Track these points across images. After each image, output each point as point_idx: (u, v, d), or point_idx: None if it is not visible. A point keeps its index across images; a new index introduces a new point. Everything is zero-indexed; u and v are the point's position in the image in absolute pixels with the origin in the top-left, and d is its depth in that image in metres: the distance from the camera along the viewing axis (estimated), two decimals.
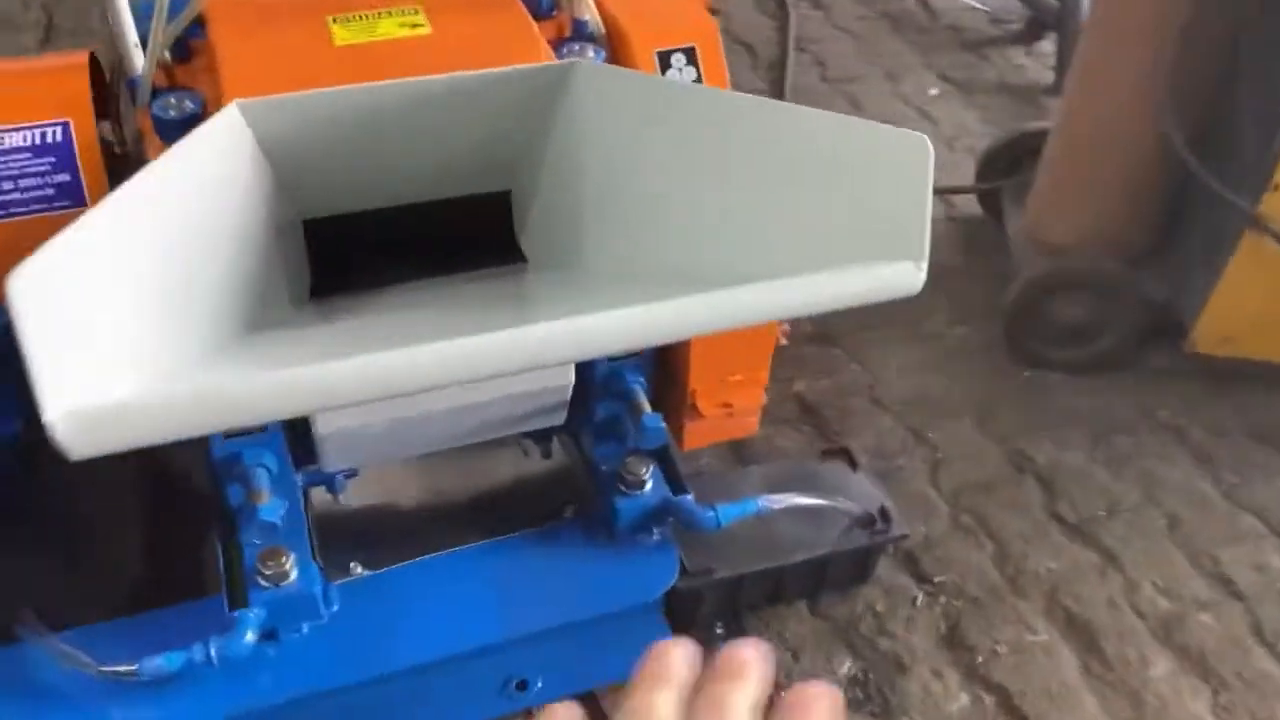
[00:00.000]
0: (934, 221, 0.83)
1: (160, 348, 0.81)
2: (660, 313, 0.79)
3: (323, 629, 1.69)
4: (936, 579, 2.17)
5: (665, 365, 1.82)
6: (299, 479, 1.70)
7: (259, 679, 1.63)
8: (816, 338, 2.70)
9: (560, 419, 1.79)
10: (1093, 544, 2.24)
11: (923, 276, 0.82)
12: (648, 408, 1.68)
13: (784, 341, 1.78)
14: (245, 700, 1.60)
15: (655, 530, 1.84)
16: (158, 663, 1.54)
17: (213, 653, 1.55)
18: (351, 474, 1.83)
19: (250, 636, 1.58)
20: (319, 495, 1.86)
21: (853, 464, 2.13)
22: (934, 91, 3.30)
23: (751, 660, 0.51)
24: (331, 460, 1.69)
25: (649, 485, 1.80)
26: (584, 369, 1.71)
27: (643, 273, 1.00)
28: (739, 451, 2.35)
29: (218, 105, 1.04)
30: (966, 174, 3.02)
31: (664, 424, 1.87)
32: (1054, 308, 2.51)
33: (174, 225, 0.88)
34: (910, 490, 2.35)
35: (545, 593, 1.76)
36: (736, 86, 1.28)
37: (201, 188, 0.93)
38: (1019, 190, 2.70)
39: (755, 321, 0.85)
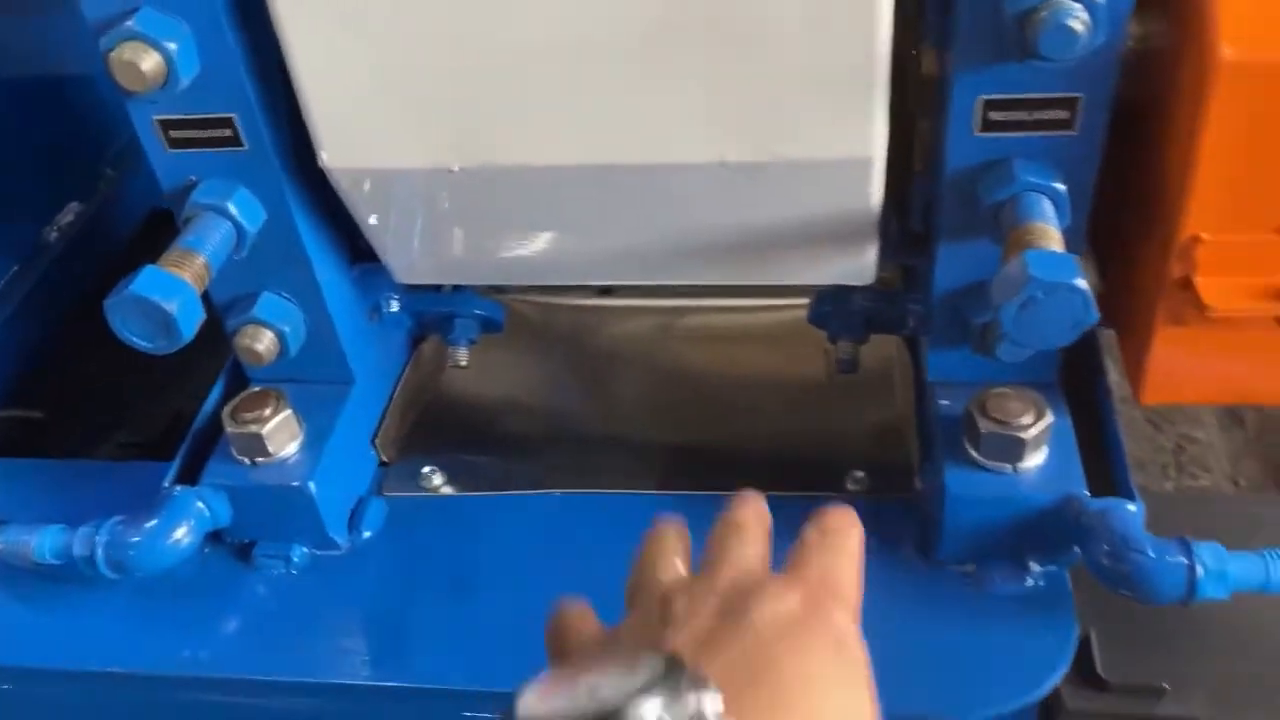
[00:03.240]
0: None
1: None
2: None
3: (333, 570, 0.89)
4: None
5: (1131, 175, 0.77)
6: (348, 278, 0.90)
7: (181, 625, 0.87)
8: None
9: (865, 270, 0.82)
10: None
11: None
12: (1053, 237, 0.66)
13: None
14: (127, 657, 0.85)
15: (1034, 564, 0.80)
16: (14, 539, 0.85)
17: (98, 548, 0.81)
18: (490, 326, 1.00)
19: (178, 536, 0.83)
20: (430, 352, 1.06)
21: None
22: None
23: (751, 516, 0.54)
24: (398, 262, 0.88)
25: (1034, 456, 0.78)
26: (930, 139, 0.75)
27: None
28: None
29: None
30: None
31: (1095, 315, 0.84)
32: None
33: None
34: None
35: None
36: None
37: None
38: None
39: None
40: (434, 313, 1.00)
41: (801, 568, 0.49)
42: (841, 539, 0.51)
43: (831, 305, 0.95)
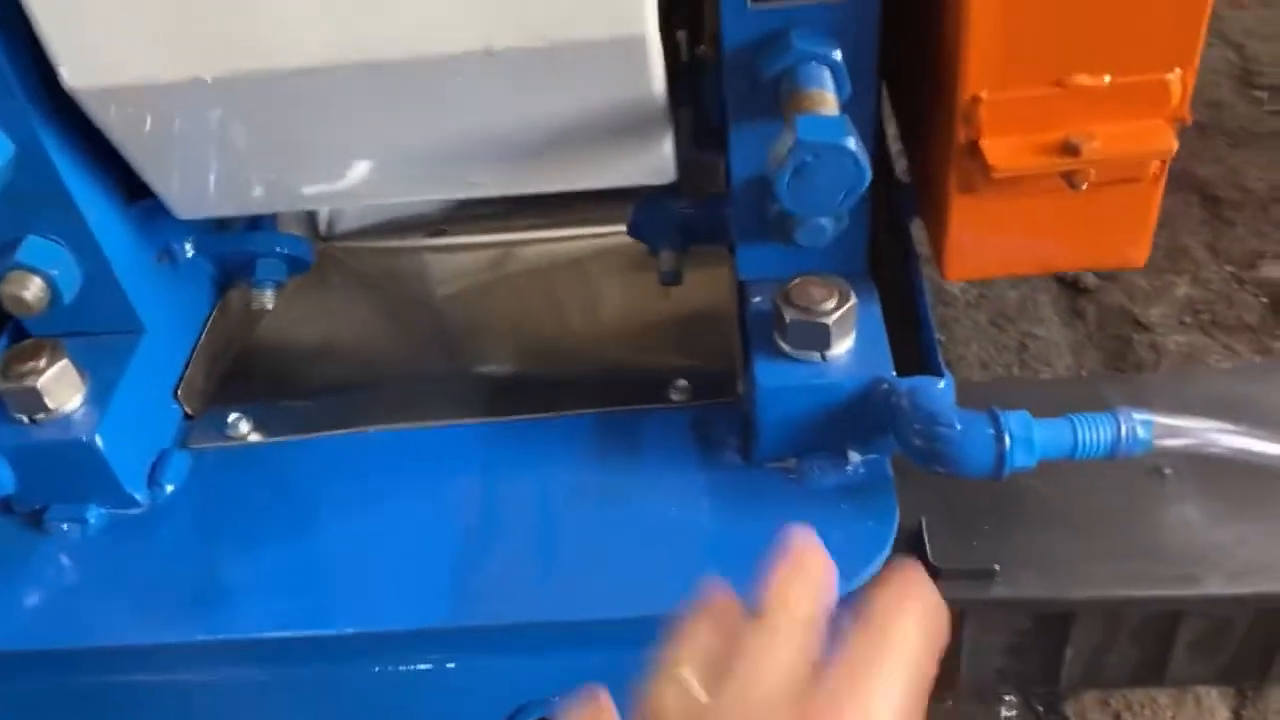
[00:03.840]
0: None
1: None
2: None
3: (134, 528, 0.83)
4: None
5: (919, 50, 0.75)
6: (125, 217, 0.84)
7: None
8: None
9: (663, 166, 0.80)
10: None
11: None
12: (829, 103, 0.64)
13: None
14: None
15: (853, 453, 0.79)
16: None
17: None
18: (297, 266, 0.95)
19: None
20: (238, 301, 1.00)
21: None
22: None
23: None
24: (173, 195, 0.82)
25: (842, 343, 0.76)
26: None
27: None
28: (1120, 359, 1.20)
29: None
30: None
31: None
32: None
33: None
34: None
35: (596, 544, 0.77)
36: None
37: None
38: None
39: None
40: (234, 254, 0.95)
41: (832, 696, 0.42)
42: (894, 651, 0.42)
43: (648, 215, 0.92)
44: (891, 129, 0.99)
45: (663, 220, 0.92)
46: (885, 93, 0.90)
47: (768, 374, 0.77)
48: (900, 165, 1.00)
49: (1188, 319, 1.27)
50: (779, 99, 0.69)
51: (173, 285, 0.93)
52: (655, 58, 0.70)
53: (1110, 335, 1.24)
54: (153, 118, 0.75)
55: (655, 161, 0.79)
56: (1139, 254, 0.77)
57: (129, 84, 0.72)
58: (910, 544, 0.85)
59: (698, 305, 0.97)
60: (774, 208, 0.77)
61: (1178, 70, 0.66)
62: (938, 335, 0.91)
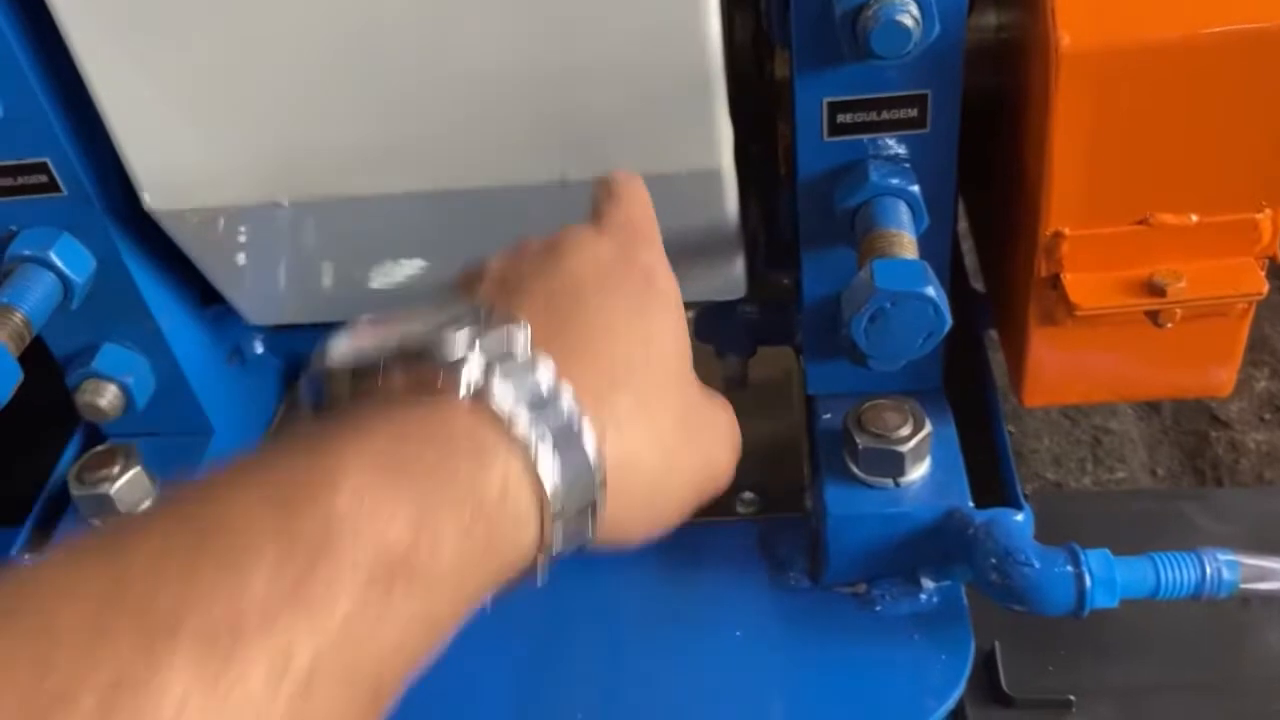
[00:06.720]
0: None
1: None
2: None
3: None
4: None
5: (999, 172, 0.74)
6: (198, 322, 0.85)
7: None
8: None
9: (734, 284, 0.79)
10: None
11: None
12: (907, 244, 0.63)
13: None
14: None
15: (926, 579, 0.77)
16: None
17: None
18: None
19: None
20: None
21: None
22: None
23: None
24: (246, 304, 0.83)
25: (916, 470, 0.74)
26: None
27: None
28: (1197, 456, 1.16)
29: None
30: None
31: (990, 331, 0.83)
32: None
33: None
34: None
35: (659, 667, 0.77)
36: None
37: None
38: None
39: None
40: (304, 350, 0.95)
41: (604, 217, 0.51)
42: (632, 192, 0.52)
43: (715, 319, 0.92)
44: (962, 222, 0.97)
45: (728, 324, 0.91)
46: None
47: (838, 500, 0.75)
48: (969, 252, 0.98)
49: (1268, 415, 1.23)
50: (854, 229, 0.68)
51: (241, 384, 0.93)
52: (730, 188, 0.70)
53: (1186, 431, 1.21)
54: (229, 235, 0.76)
55: (726, 281, 0.79)
56: (1224, 384, 0.74)
57: (207, 207, 0.73)
58: (983, 669, 0.83)
59: (766, 405, 0.96)
60: (845, 333, 0.76)
61: (1268, 210, 0.64)
62: (1008, 428, 0.89)
